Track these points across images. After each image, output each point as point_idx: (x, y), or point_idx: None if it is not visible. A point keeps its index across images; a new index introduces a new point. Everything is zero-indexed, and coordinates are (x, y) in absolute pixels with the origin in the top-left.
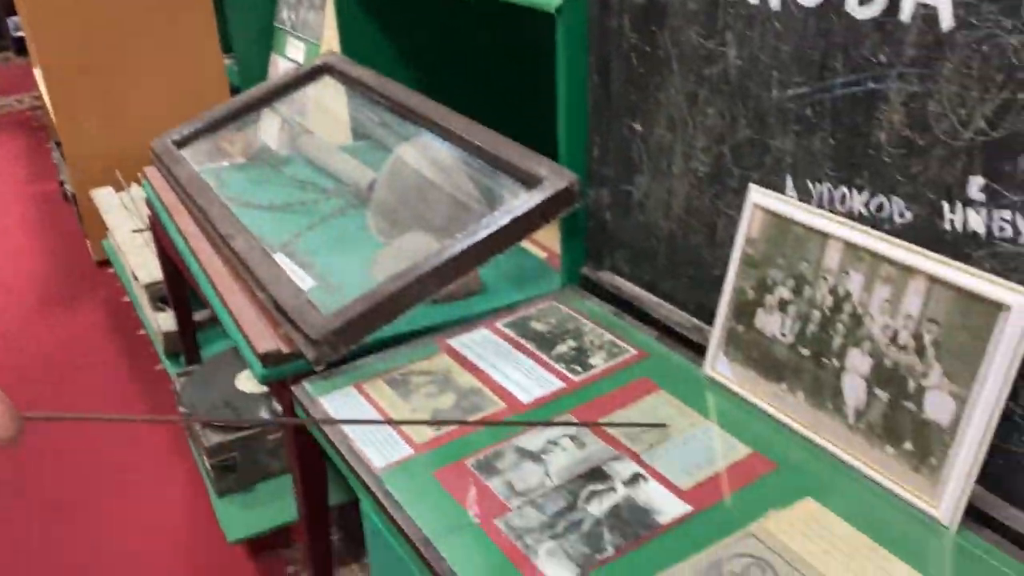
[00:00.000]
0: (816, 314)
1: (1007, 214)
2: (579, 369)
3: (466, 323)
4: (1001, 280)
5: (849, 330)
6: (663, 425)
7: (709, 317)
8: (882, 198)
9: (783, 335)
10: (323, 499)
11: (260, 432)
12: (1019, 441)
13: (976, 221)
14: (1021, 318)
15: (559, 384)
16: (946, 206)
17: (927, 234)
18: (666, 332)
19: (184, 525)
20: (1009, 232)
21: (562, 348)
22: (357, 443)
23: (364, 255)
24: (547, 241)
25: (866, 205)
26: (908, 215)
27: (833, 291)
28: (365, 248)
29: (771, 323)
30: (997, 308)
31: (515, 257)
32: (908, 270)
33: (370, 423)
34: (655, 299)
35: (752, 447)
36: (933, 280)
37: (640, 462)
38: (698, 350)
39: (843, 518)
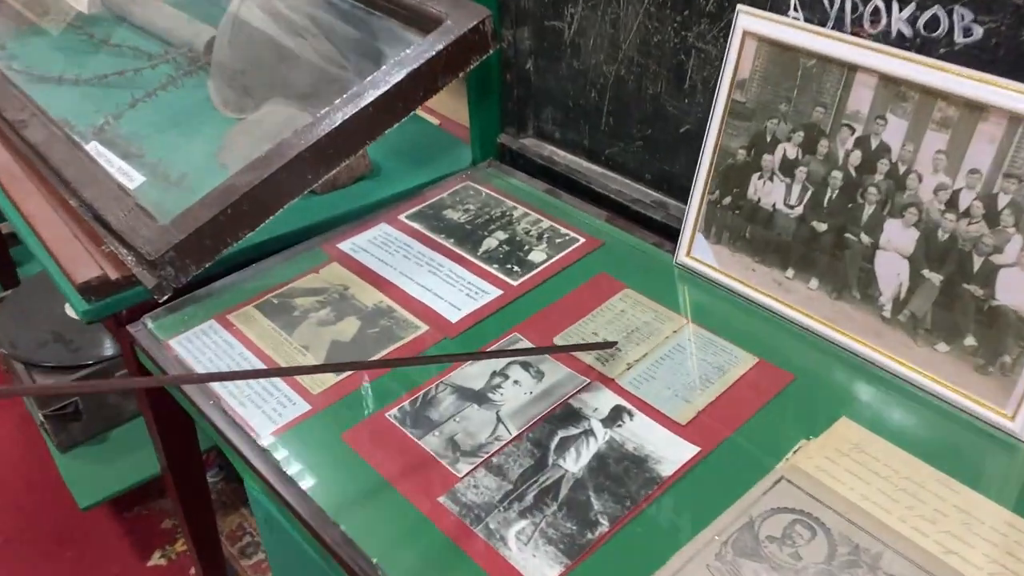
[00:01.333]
0: (837, 176)
1: None
2: (518, 269)
3: (359, 219)
4: None
5: (885, 195)
6: (612, 344)
7: (675, 188)
8: (936, 10)
9: (789, 206)
10: (192, 451)
11: (105, 368)
12: None
13: None
14: None
15: (495, 292)
16: None
17: (1006, 57)
18: (619, 211)
19: (24, 490)
20: None
21: (491, 243)
22: (231, 402)
23: (210, 137)
24: (442, 106)
25: (911, 22)
26: (977, 31)
27: (862, 144)
28: (210, 127)
29: (772, 192)
30: None
31: (408, 127)
32: (976, 108)
33: (247, 376)
34: (599, 170)
35: (757, 354)
36: (1015, 119)
37: (619, 390)
38: (664, 232)
39: (893, 442)
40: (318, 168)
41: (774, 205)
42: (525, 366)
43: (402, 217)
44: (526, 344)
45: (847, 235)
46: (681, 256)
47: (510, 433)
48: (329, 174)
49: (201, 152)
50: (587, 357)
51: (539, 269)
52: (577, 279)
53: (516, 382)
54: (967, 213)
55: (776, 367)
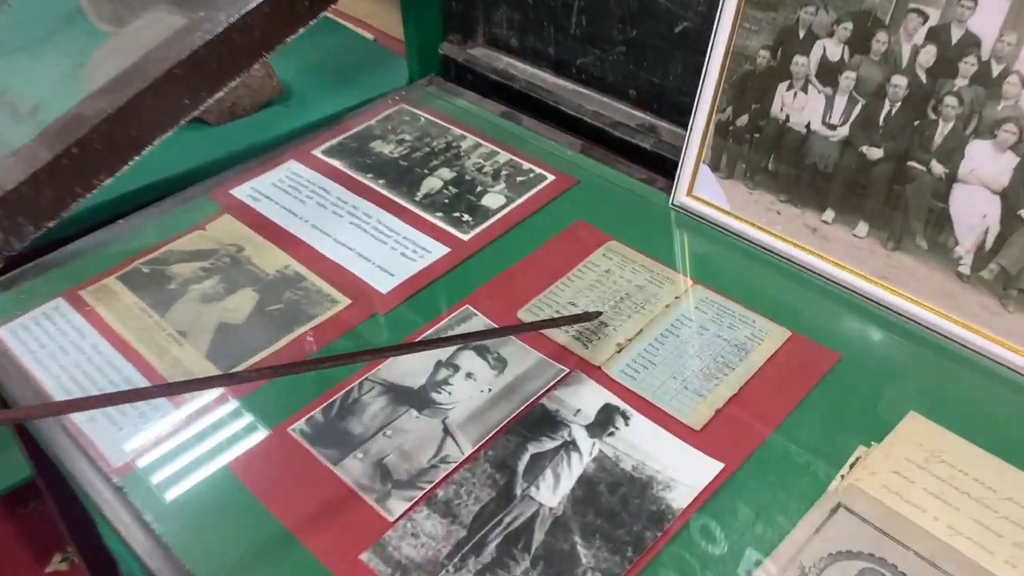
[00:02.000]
0: (900, 83)
1: None
2: (469, 219)
3: (261, 155)
4: None
5: (970, 107)
6: (596, 315)
7: (669, 107)
8: None
9: (830, 126)
10: None
11: None
12: None
13: None
14: None
15: (440, 250)
16: None
17: None
18: (597, 139)
19: None
20: None
21: (433, 183)
22: (76, 417)
23: (78, 56)
24: (377, 18)
25: None
26: None
27: (938, 36)
28: (79, 44)
29: (806, 107)
30: None
31: (332, 41)
32: None
33: (121, 400)
34: (569, 86)
35: (788, 326)
36: None
37: (609, 383)
38: (656, 165)
39: (982, 446)
40: (198, 90)
41: (808, 125)
42: (481, 352)
43: (317, 152)
44: (482, 321)
45: (911, 163)
46: (680, 196)
47: (462, 451)
48: (214, 97)
49: (64, 76)
50: (563, 336)
51: (496, 218)
52: (546, 230)
53: (469, 375)
54: None
55: (816, 343)
